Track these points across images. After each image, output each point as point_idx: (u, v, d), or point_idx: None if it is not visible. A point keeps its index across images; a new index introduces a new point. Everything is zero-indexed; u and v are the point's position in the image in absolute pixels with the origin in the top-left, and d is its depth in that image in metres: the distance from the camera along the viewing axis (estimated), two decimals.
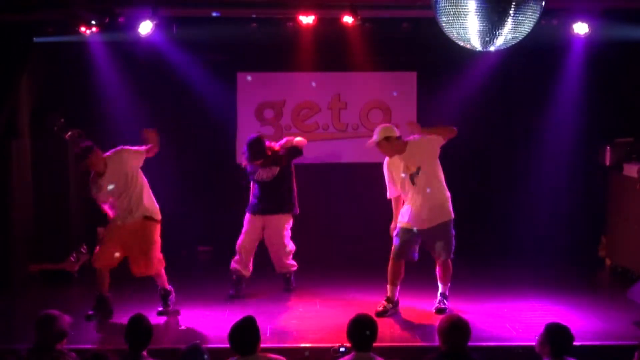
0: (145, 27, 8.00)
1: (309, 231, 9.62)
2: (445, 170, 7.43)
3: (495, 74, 9.22)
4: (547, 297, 7.86)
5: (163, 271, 7.40)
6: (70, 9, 7.70)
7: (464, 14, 5.20)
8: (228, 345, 5.02)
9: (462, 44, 5.49)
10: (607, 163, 9.25)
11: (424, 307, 7.55)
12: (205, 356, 4.97)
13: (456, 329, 4.98)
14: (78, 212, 9.23)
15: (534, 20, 5.31)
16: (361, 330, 5.05)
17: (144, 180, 7.39)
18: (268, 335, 6.62)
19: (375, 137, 7.23)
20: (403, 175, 7.25)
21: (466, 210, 9.68)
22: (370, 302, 7.60)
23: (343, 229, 9.35)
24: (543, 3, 5.31)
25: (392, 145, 7.21)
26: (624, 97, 9.61)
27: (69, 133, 8.95)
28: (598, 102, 9.60)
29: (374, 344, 5.09)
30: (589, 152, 9.64)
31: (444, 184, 7.35)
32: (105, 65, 9.25)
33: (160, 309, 7.35)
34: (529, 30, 5.38)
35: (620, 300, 7.69)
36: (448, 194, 7.38)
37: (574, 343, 5.10)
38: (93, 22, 7.90)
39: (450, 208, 7.38)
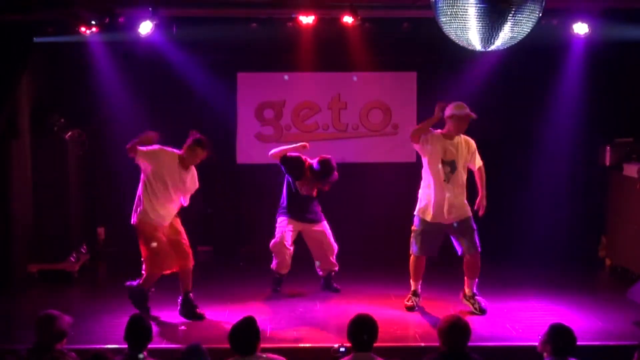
0: (145, 27, 8.00)
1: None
2: None
3: (495, 74, 9.22)
4: (547, 297, 7.86)
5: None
6: (70, 9, 7.70)
7: (463, 14, 5.20)
8: (228, 345, 5.02)
9: (461, 44, 5.49)
10: (607, 163, 9.25)
11: (425, 307, 7.55)
12: (205, 356, 4.97)
13: (456, 329, 4.98)
14: (78, 212, 9.24)
15: (534, 20, 5.32)
16: (361, 330, 5.05)
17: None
18: (268, 335, 6.62)
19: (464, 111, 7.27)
20: (439, 162, 7.31)
21: None
22: (370, 302, 7.60)
23: (343, 229, 9.33)
24: (543, 3, 5.31)
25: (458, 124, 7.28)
26: (624, 97, 9.61)
27: (69, 133, 8.97)
28: (598, 102, 9.61)
29: (374, 344, 5.09)
30: (589, 152, 9.64)
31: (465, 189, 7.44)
32: (105, 65, 9.25)
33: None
34: (529, 30, 5.38)
35: (620, 300, 7.69)
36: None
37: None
38: (93, 22, 7.90)
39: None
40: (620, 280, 8.65)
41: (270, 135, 9.96)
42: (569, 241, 9.60)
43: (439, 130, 7.40)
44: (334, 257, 8.16)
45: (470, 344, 5.01)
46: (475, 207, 7.44)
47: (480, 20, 5.17)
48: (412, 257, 7.50)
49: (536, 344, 5.22)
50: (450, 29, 5.35)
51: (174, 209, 7.36)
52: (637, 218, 8.60)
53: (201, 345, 5.06)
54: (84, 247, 9.37)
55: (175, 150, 7.37)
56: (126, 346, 5.20)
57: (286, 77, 9.87)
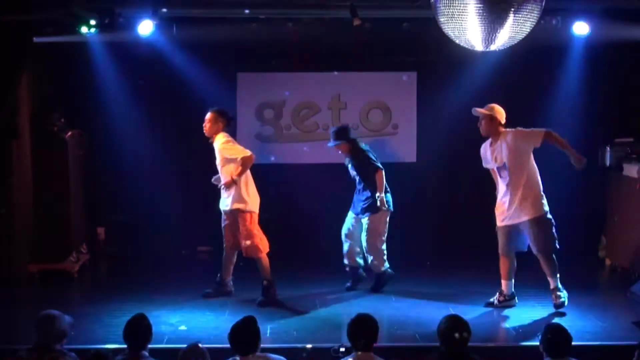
0: (145, 27, 8.00)
1: (309, 231, 9.64)
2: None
3: (495, 74, 9.21)
4: (547, 297, 7.85)
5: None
6: (70, 9, 7.70)
7: (463, 15, 5.20)
8: (228, 345, 5.02)
9: (461, 44, 5.49)
10: (607, 163, 9.25)
11: (425, 307, 7.55)
12: (206, 356, 4.97)
13: (456, 329, 4.97)
14: (78, 212, 9.23)
15: (534, 20, 5.32)
16: (362, 330, 5.04)
17: None
18: (268, 335, 6.62)
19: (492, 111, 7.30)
20: (491, 164, 7.38)
21: (466, 210, 9.72)
22: (370, 302, 7.60)
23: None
24: (543, 3, 5.31)
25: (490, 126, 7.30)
26: (624, 97, 9.61)
27: (69, 133, 8.97)
28: (598, 102, 9.61)
29: (374, 344, 5.09)
30: (589, 152, 9.61)
31: (535, 181, 7.38)
32: (105, 65, 9.25)
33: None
34: (529, 30, 5.38)
35: (620, 300, 7.69)
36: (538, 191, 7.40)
37: (574, 343, 5.10)
38: (93, 22, 7.90)
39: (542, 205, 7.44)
40: (620, 280, 8.65)
41: (270, 135, 9.97)
42: (569, 241, 9.58)
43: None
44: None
45: (470, 344, 5.01)
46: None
47: (480, 20, 5.17)
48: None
49: (536, 343, 5.22)
50: (450, 29, 5.35)
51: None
52: (637, 218, 8.60)
53: (201, 345, 5.06)
54: (84, 247, 9.37)
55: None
56: (126, 346, 5.19)
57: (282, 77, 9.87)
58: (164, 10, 7.95)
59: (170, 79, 9.44)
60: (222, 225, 7.82)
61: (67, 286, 8.61)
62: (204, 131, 7.70)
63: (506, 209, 7.37)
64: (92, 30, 8.02)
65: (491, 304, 7.49)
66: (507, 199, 7.35)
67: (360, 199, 8.04)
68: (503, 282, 7.52)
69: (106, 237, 9.96)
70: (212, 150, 8.15)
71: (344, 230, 8.21)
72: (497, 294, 7.53)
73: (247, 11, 7.89)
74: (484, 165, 7.51)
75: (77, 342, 5.87)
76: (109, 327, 6.80)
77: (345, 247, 8.18)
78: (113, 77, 9.33)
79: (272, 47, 9.27)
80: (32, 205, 8.77)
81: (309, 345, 6.17)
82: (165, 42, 8.72)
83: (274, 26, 8.51)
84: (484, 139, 7.52)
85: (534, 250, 7.41)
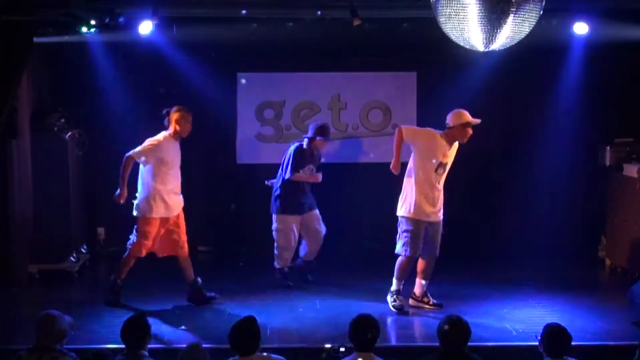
0: (145, 27, 8.00)
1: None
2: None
3: (495, 74, 9.21)
4: (547, 297, 7.86)
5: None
6: (70, 9, 7.70)
7: (463, 15, 5.20)
8: (228, 345, 5.02)
9: (461, 44, 5.49)
10: (607, 163, 9.25)
11: (424, 307, 7.55)
12: (206, 356, 4.97)
13: (456, 329, 4.97)
14: (78, 212, 9.23)
15: (534, 20, 5.31)
16: (363, 330, 5.04)
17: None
18: (268, 335, 6.62)
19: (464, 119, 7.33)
20: (434, 161, 7.33)
21: (466, 210, 9.72)
22: (371, 302, 7.60)
23: (343, 229, 9.34)
24: (543, 3, 5.31)
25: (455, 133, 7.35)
26: (624, 97, 9.61)
27: (69, 133, 8.97)
28: (598, 102, 9.60)
29: (374, 344, 5.09)
30: (589, 152, 9.63)
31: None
32: (105, 65, 9.25)
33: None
34: (529, 31, 5.38)
35: (620, 300, 7.68)
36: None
37: (574, 343, 5.10)
38: (93, 22, 7.89)
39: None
40: (620, 280, 8.65)
41: (270, 135, 9.96)
42: (569, 241, 9.60)
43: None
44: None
45: (470, 344, 5.01)
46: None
47: (480, 20, 5.17)
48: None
49: (536, 343, 5.22)
50: (450, 29, 5.35)
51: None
52: (637, 218, 8.60)
53: (201, 345, 5.06)
54: (84, 247, 9.37)
55: (162, 134, 7.57)
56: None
57: (243, 80, 9.87)
58: (164, 10, 7.94)
59: (170, 79, 9.43)
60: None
61: (67, 286, 8.61)
62: (188, 132, 7.67)
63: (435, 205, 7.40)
64: (92, 30, 8.01)
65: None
66: (437, 195, 7.38)
67: (312, 196, 8.39)
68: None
69: (106, 237, 9.96)
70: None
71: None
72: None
73: (243, 12, 7.88)
74: (431, 159, 7.40)
75: (77, 342, 5.87)
76: (109, 327, 6.80)
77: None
78: (113, 77, 9.33)
79: (272, 47, 9.26)
80: (32, 205, 8.77)
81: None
82: (165, 42, 8.71)
83: (274, 26, 8.50)
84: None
85: (433, 253, 7.43)
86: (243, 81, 9.83)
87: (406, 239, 7.33)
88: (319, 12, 7.91)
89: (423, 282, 7.51)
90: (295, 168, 8.18)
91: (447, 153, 7.36)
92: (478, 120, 7.35)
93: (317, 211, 8.38)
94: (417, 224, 7.32)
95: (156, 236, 7.56)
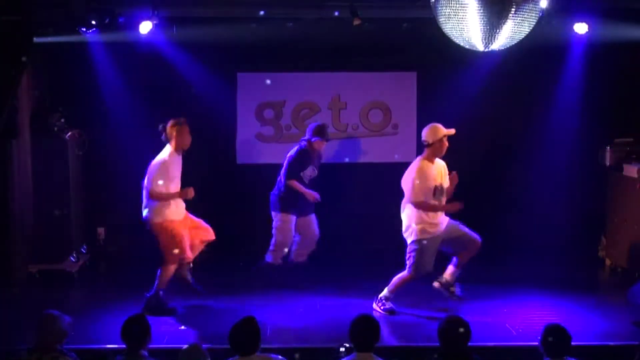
0: (145, 27, 8.00)
1: None
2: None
3: (495, 74, 9.20)
4: (547, 297, 7.86)
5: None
6: (70, 9, 7.70)
7: (463, 15, 5.20)
8: (228, 345, 5.02)
9: (461, 44, 5.50)
10: (607, 163, 9.25)
11: (423, 307, 7.55)
12: (206, 356, 4.97)
13: (456, 329, 4.98)
14: (78, 212, 9.23)
15: (533, 20, 5.32)
16: (363, 330, 5.05)
17: None
18: (268, 335, 6.62)
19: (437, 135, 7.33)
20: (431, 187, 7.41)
21: (465, 210, 9.70)
22: (371, 302, 7.59)
23: (343, 229, 9.34)
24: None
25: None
26: (624, 97, 9.60)
27: (69, 133, 8.97)
28: (598, 102, 9.60)
29: (375, 344, 5.09)
30: (589, 152, 9.63)
31: None
32: (105, 65, 9.24)
33: None
34: (528, 30, 5.38)
35: (620, 300, 7.69)
36: None
37: (574, 343, 5.11)
38: (93, 22, 7.90)
39: None
40: (620, 280, 8.65)
41: (271, 135, 9.96)
42: (569, 241, 9.59)
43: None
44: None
45: (470, 344, 5.01)
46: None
47: (480, 20, 5.18)
48: None
49: (536, 343, 5.22)
50: (451, 29, 5.35)
51: None
52: (637, 218, 8.60)
53: (201, 345, 5.06)
54: (84, 247, 9.37)
55: (167, 151, 7.54)
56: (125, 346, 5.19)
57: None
58: (164, 10, 7.94)
59: (170, 79, 9.43)
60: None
61: (67, 286, 8.62)
62: (189, 143, 7.66)
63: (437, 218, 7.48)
64: (92, 30, 8.02)
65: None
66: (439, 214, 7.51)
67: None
68: None
69: (106, 237, 9.95)
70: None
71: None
72: None
73: (246, 11, 7.89)
74: (429, 184, 7.44)
75: (77, 342, 5.87)
76: (109, 327, 6.80)
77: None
78: (113, 77, 9.33)
79: (272, 47, 9.26)
80: (32, 205, 8.77)
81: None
82: (165, 42, 8.71)
83: (274, 26, 8.51)
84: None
85: (473, 244, 7.54)
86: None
87: (412, 260, 7.36)
88: (319, 12, 7.92)
89: (456, 271, 7.56)
90: (292, 174, 8.23)
91: (435, 174, 7.41)
92: (453, 131, 7.36)
93: (314, 215, 8.44)
94: (423, 242, 7.35)
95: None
